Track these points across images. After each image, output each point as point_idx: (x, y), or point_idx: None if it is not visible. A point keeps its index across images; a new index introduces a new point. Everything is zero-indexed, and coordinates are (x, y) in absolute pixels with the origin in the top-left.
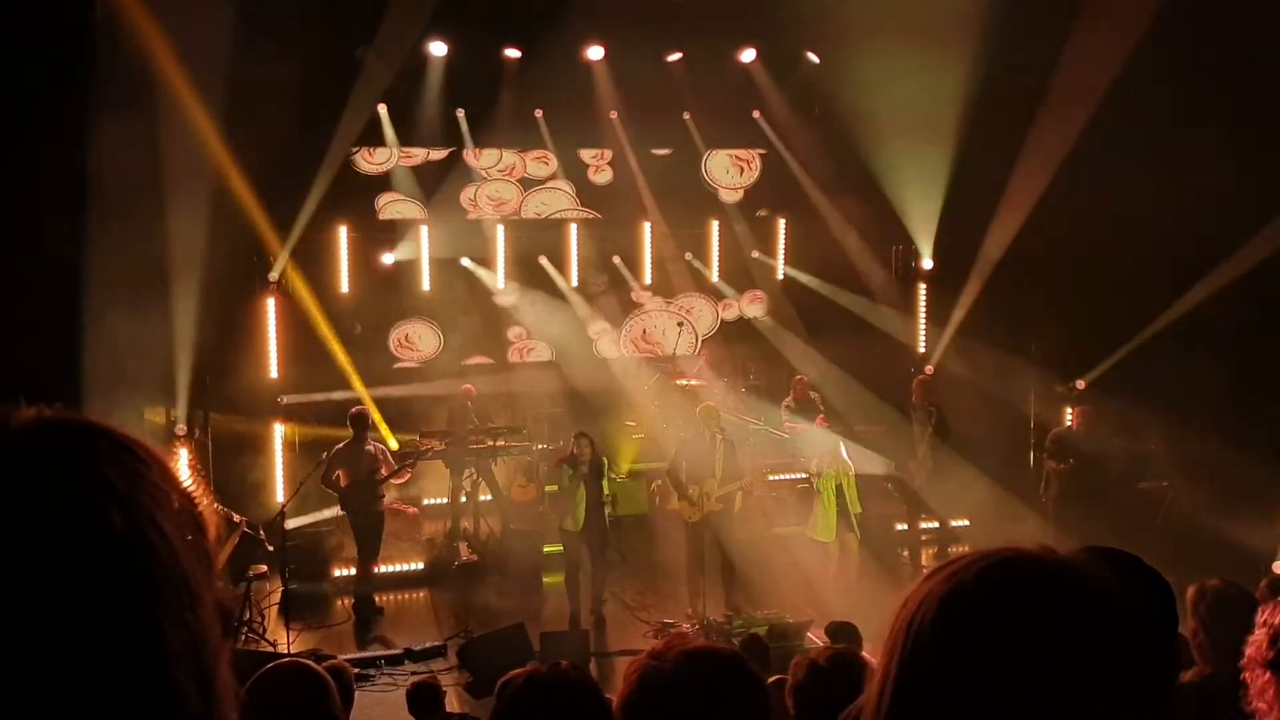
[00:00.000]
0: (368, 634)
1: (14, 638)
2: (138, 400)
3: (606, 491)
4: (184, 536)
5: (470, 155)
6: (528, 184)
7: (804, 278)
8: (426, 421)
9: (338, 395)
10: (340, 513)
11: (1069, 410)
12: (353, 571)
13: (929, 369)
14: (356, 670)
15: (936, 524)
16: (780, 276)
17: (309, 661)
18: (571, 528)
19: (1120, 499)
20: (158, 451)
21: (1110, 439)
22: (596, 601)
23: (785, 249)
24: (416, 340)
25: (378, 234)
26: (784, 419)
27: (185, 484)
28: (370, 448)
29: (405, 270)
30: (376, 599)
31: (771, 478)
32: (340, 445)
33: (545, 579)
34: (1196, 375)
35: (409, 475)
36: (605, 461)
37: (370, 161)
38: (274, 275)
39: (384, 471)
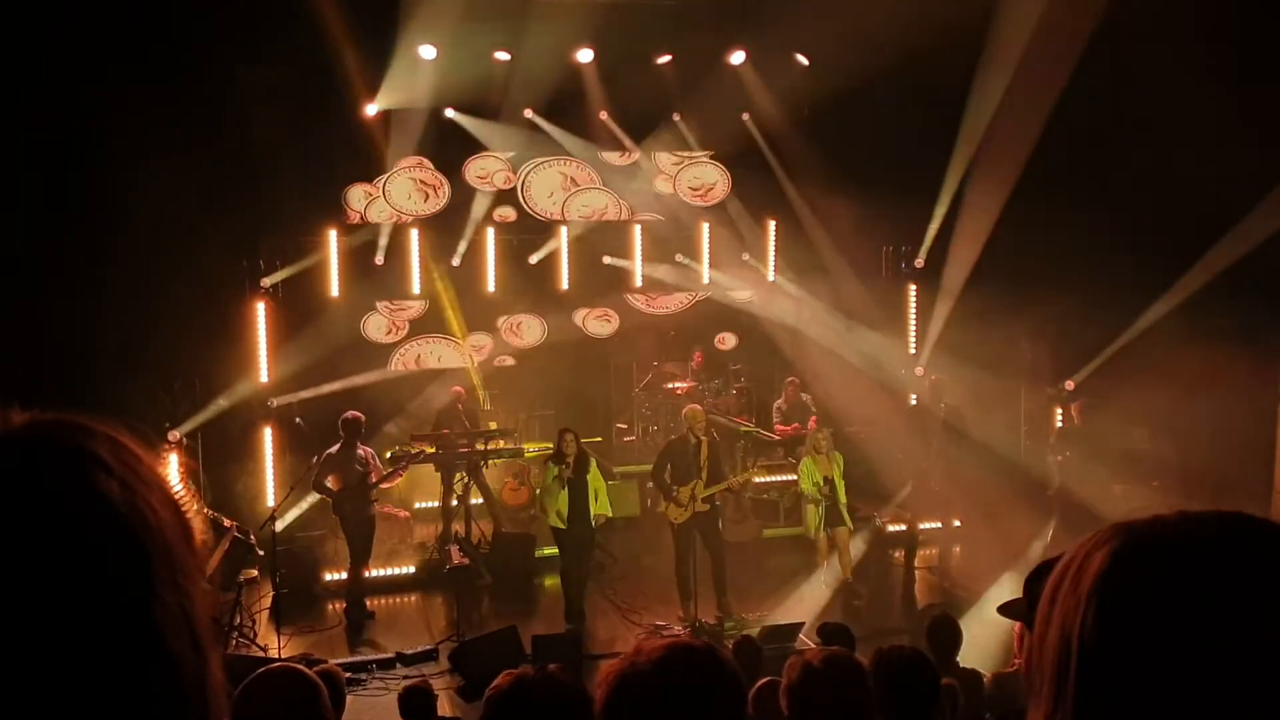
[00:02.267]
0: (359, 638)
1: (17, 605)
2: (130, 403)
3: (592, 488)
4: (169, 512)
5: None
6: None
7: (791, 284)
8: (417, 425)
9: (327, 389)
10: (333, 515)
11: (1058, 410)
12: (343, 575)
13: (919, 370)
14: (348, 675)
15: (934, 524)
16: (771, 278)
17: (300, 666)
18: (557, 524)
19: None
20: (139, 443)
21: (1106, 435)
22: (578, 602)
23: (776, 250)
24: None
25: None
26: (775, 421)
27: (164, 474)
28: (360, 452)
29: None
30: (367, 603)
31: (761, 479)
32: (331, 450)
33: (537, 581)
34: (1185, 371)
35: (399, 479)
36: (592, 460)
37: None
38: (267, 282)
39: (374, 476)
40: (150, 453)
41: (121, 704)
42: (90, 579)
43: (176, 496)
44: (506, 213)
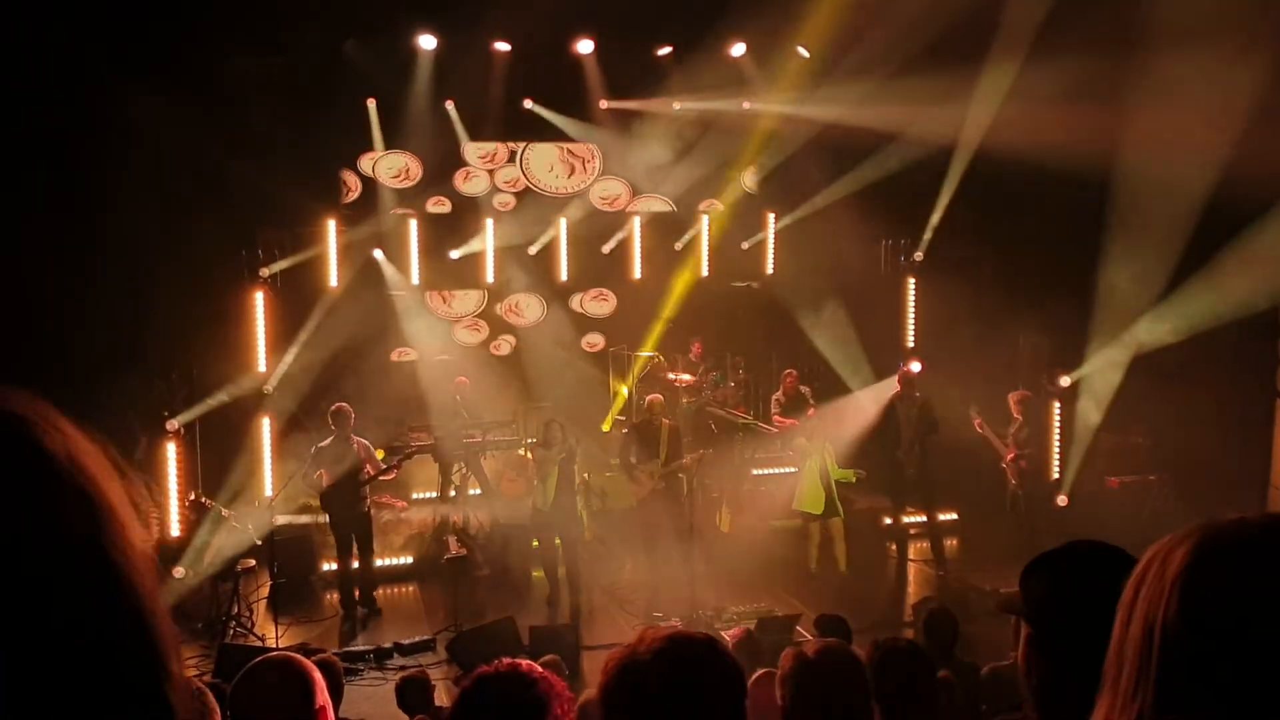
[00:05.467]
0: (356, 628)
1: None
2: (130, 393)
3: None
4: (104, 469)
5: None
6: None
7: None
8: (416, 415)
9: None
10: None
11: (1056, 404)
12: (334, 566)
13: (917, 364)
14: (345, 665)
15: (924, 518)
16: (770, 270)
17: (297, 655)
18: (540, 505)
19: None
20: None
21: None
22: (575, 592)
23: (775, 241)
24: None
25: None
26: (774, 413)
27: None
28: (354, 444)
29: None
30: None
31: (757, 472)
32: (323, 443)
33: (534, 573)
34: (1181, 368)
35: (395, 474)
36: (576, 447)
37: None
38: (266, 272)
39: (370, 470)
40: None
41: (85, 636)
42: (51, 524)
43: (112, 456)
44: (506, 200)
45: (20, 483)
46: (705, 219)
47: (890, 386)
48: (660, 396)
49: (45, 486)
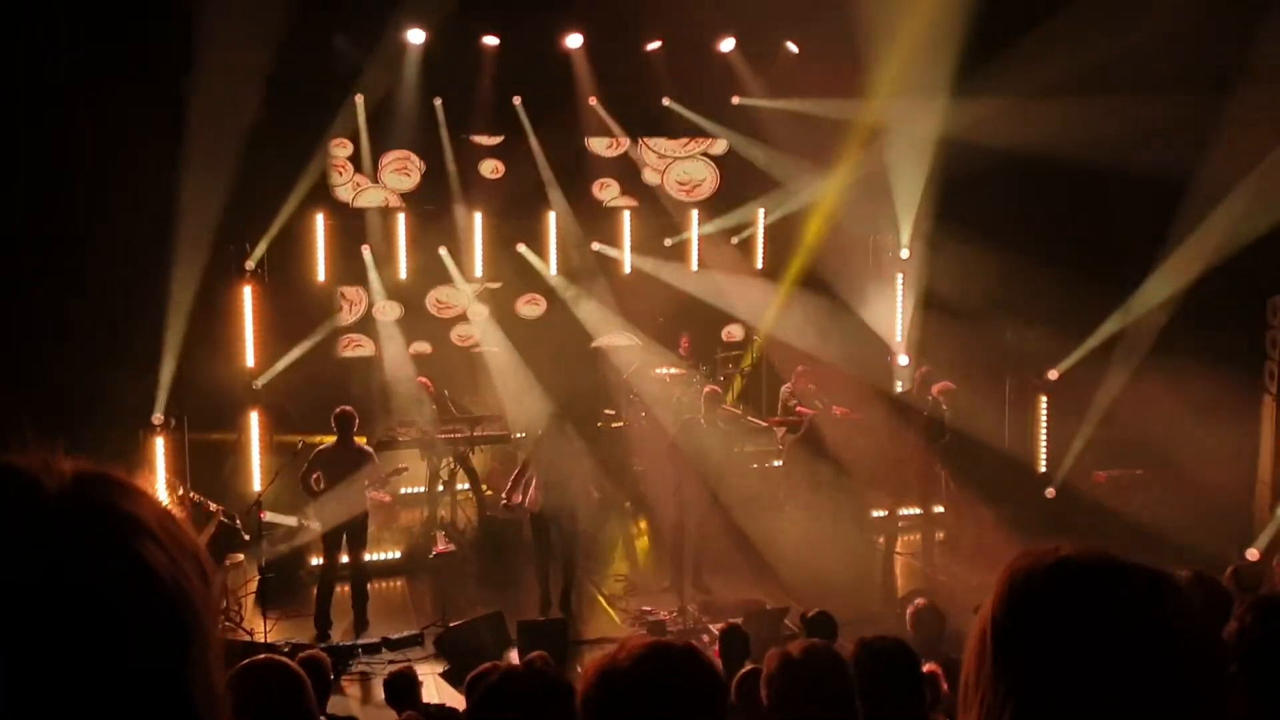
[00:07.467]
0: (344, 623)
1: (60, 675)
2: (115, 388)
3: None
4: (203, 583)
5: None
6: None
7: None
8: (395, 415)
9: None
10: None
11: (1043, 399)
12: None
13: (904, 358)
14: (333, 659)
15: (918, 510)
16: (760, 266)
17: (283, 658)
18: (551, 502)
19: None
20: (168, 506)
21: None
22: (564, 588)
23: (764, 238)
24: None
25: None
26: (791, 404)
27: (195, 537)
28: (358, 449)
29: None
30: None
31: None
32: (324, 446)
33: (523, 568)
34: (1169, 361)
35: (392, 483)
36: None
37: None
38: (250, 264)
39: (370, 477)
40: (182, 512)
41: None
42: (134, 655)
43: (206, 561)
44: None
45: (107, 610)
46: (695, 213)
47: (891, 384)
48: (717, 388)
49: (135, 618)
